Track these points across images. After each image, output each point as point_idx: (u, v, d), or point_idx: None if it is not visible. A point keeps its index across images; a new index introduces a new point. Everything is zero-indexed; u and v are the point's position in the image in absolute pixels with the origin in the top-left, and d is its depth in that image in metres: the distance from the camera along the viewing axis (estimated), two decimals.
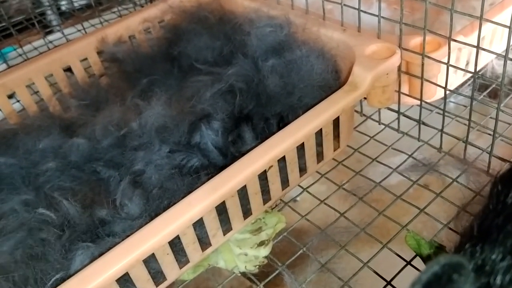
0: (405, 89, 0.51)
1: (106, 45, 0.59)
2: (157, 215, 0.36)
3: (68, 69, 0.59)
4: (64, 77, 0.58)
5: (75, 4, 0.89)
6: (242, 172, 0.39)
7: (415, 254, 0.43)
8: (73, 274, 0.33)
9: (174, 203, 0.37)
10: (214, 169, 0.43)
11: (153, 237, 0.35)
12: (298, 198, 0.50)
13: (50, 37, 0.83)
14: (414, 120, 0.53)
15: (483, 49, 0.42)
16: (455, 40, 0.43)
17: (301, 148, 0.44)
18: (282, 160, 0.43)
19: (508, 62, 0.40)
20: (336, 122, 0.46)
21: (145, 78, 0.56)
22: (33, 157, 0.46)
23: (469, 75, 0.53)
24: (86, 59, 0.59)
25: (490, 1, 0.56)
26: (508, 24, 0.39)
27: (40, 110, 0.56)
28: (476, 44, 0.42)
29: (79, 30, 0.82)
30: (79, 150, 0.46)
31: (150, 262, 0.37)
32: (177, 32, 0.60)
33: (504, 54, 0.40)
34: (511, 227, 0.31)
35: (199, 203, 0.37)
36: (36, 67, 0.56)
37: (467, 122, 0.48)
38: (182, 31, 0.59)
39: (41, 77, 0.56)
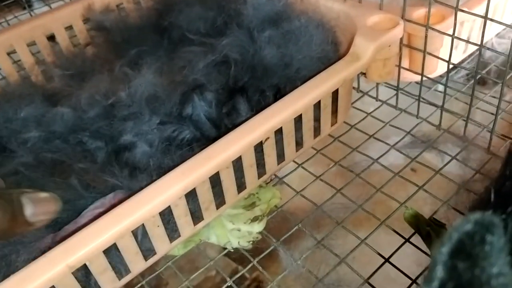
0: (405, 63, 0.50)
1: (93, 13, 0.56)
2: (148, 185, 0.34)
3: (52, 38, 0.56)
4: (47, 45, 0.55)
5: None
6: (239, 142, 0.37)
7: (413, 231, 0.41)
8: None
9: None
10: (206, 141, 0.41)
11: (143, 206, 0.33)
12: (292, 174, 0.48)
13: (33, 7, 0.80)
14: (413, 96, 0.51)
15: (492, 20, 0.40)
16: (462, 10, 0.41)
17: (298, 121, 0.42)
18: (278, 133, 0.41)
19: (508, 40, 0.39)
20: (334, 95, 0.44)
21: (134, 49, 0.53)
22: (14, 126, 0.44)
23: (469, 52, 0.52)
24: (71, 27, 0.56)
25: None
26: None
27: (21, 79, 0.53)
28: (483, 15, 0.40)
29: None
30: (63, 119, 0.44)
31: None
32: (167, 2, 0.57)
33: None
34: None
35: (192, 172, 0.35)
36: (18, 32, 0.53)
37: (465, 99, 0.47)
38: (173, 1, 0.56)
39: (22, 43, 0.53)
